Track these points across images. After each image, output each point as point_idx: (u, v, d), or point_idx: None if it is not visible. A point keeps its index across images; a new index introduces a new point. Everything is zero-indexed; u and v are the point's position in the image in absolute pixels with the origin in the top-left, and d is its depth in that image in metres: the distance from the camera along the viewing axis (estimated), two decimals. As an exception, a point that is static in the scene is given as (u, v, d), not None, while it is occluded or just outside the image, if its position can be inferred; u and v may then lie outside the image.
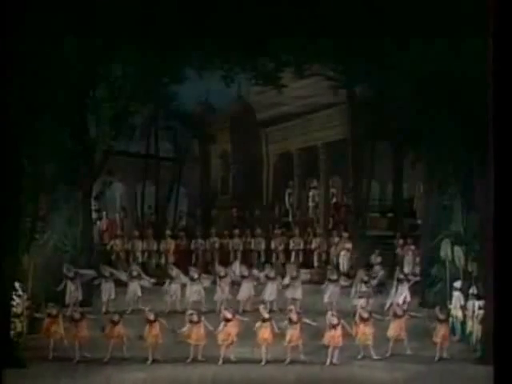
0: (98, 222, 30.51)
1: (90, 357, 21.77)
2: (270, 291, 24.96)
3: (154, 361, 21.54)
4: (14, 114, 21.31)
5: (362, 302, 24.02)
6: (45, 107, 22.57)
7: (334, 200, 33.01)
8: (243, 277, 25.45)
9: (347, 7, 23.10)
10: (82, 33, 23.07)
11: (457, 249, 24.71)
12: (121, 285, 25.45)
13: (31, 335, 23.15)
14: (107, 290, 25.06)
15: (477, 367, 21.01)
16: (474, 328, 22.74)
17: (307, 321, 21.81)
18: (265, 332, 21.54)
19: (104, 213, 31.39)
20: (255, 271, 25.59)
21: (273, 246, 29.10)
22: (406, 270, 26.17)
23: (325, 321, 21.83)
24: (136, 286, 25.22)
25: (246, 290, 25.14)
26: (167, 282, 25.30)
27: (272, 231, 30.17)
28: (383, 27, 23.06)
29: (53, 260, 25.13)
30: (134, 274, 25.48)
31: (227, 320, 21.68)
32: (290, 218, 32.89)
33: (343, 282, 25.15)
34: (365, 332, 21.84)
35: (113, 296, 25.07)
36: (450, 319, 23.06)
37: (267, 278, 25.22)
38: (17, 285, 22.94)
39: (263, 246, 29.21)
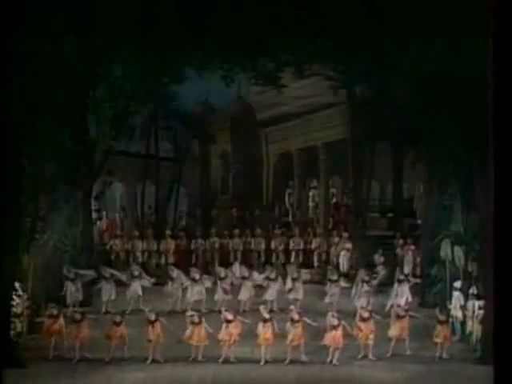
0: (98, 222, 30.50)
1: (89, 357, 21.77)
2: (271, 292, 24.97)
3: (153, 361, 21.55)
4: (14, 114, 21.32)
5: (362, 301, 24.06)
6: (45, 107, 22.57)
7: (334, 200, 33.00)
8: (244, 278, 25.43)
9: (347, 7, 23.09)
10: (81, 33, 23.08)
11: (457, 249, 24.71)
12: (121, 285, 25.46)
13: (31, 335, 23.14)
14: (107, 290, 25.06)
15: (477, 367, 21.01)
16: (474, 328, 22.74)
17: (308, 321, 21.81)
18: (266, 333, 21.54)
19: (104, 213, 31.39)
20: (256, 275, 25.48)
21: (273, 246, 29.09)
22: (406, 270, 26.17)
23: (325, 321, 21.84)
24: (137, 285, 25.20)
25: (247, 290, 25.13)
26: (168, 282, 25.30)
27: (272, 231, 30.15)
28: (383, 27, 23.06)
29: (53, 260, 25.14)
30: (136, 273, 25.48)
31: (228, 321, 21.68)
32: (290, 218, 32.88)
33: (343, 283, 25.16)
34: (365, 332, 21.83)
35: (113, 297, 25.06)
36: (450, 319, 23.06)
37: (268, 279, 25.21)
38: (17, 285, 22.92)
39: (263, 246, 29.19)
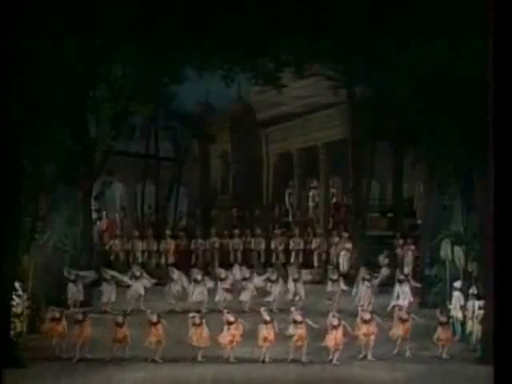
0: (98, 222, 30.51)
1: (89, 357, 21.78)
2: (272, 293, 24.96)
3: (153, 361, 21.55)
4: (14, 114, 21.30)
5: (363, 301, 24.12)
6: (45, 107, 22.54)
7: (334, 200, 33.01)
8: (245, 279, 25.42)
9: (347, 7, 23.09)
10: (81, 33, 23.06)
11: (457, 249, 24.71)
12: (121, 285, 25.46)
13: (31, 335, 23.14)
14: (108, 292, 25.06)
15: (477, 367, 21.00)
16: (474, 328, 22.73)
17: (310, 322, 21.81)
18: (267, 334, 21.53)
19: (104, 213, 31.39)
20: (257, 279, 25.44)
21: (273, 246, 29.10)
22: (406, 270, 26.17)
23: (326, 321, 21.83)
24: (139, 285, 25.20)
25: (248, 291, 25.12)
26: (169, 283, 25.28)
27: (272, 231, 30.17)
28: (383, 27, 23.05)
29: (53, 260, 25.13)
30: (137, 274, 25.47)
31: (230, 323, 21.68)
32: (290, 218, 32.90)
33: (343, 285, 25.20)
34: (367, 334, 21.81)
35: (113, 299, 25.06)
36: (450, 320, 23.04)
37: (269, 280, 25.21)
38: (17, 285, 22.91)
39: (263, 246, 29.21)
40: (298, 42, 24.93)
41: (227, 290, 25.07)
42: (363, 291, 24.91)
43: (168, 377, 20.74)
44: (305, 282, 25.79)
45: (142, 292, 25.12)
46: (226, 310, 22.34)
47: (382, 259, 26.81)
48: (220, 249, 29.04)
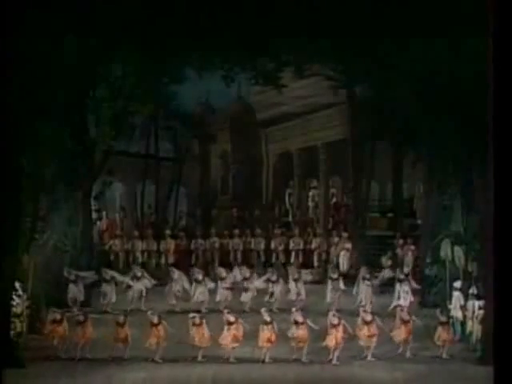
0: (98, 222, 30.51)
1: (90, 357, 21.78)
2: (273, 294, 24.95)
3: (153, 360, 21.55)
4: (14, 114, 21.29)
5: (364, 301, 24.14)
6: (45, 107, 22.54)
7: (334, 200, 33.04)
8: (245, 279, 25.42)
9: (347, 7, 23.08)
10: (81, 33, 23.05)
11: (457, 249, 24.70)
12: (121, 285, 25.48)
13: (31, 335, 23.13)
14: (108, 292, 25.05)
15: (477, 367, 21.00)
16: (474, 328, 22.73)
17: (310, 324, 21.81)
18: (267, 335, 21.53)
19: (104, 213, 31.39)
20: (257, 282, 25.40)
21: (273, 246, 29.10)
22: (406, 270, 26.15)
23: (326, 321, 21.83)
24: (141, 286, 25.20)
25: (249, 291, 25.11)
26: (170, 283, 25.28)
27: (272, 231, 30.17)
28: (383, 27, 23.04)
29: (53, 260, 25.13)
30: (138, 274, 25.47)
31: (230, 323, 21.68)
32: (290, 218, 32.92)
33: (343, 285, 25.21)
34: (368, 335, 21.80)
35: (113, 299, 25.05)
36: (450, 319, 23.04)
37: (269, 281, 25.20)
38: (17, 285, 22.90)
39: (263, 246, 29.21)
40: (297, 42, 24.91)
41: (228, 289, 25.08)
42: (364, 290, 24.92)
43: (168, 377, 20.73)
44: (305, 282, 25.80)
45: (144, 293, 25.12)
46: (226, 310, 22.34)
47: (385, 260, 26.78)
48: (220, 249, 29.03)
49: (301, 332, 21.58)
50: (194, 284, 25.04)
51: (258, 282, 25.24)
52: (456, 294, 23.57)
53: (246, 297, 24.97)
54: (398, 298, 24.59)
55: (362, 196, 30.06)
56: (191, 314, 22.23)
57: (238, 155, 33.23)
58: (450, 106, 23.11)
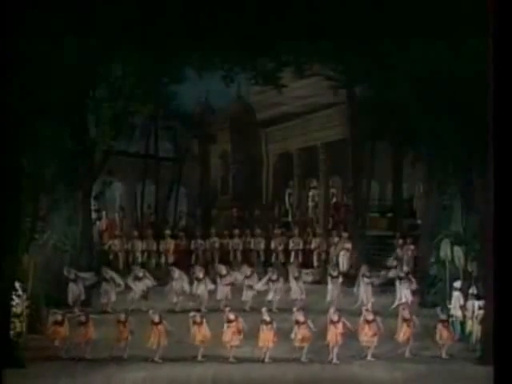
0: (98, 222, 30.50)
1: (89, 357, 21.78)
2: (273, 293, 24.97)
3: (153, 360, 21.56)
4: (14, 114, 21.29)
5: (365, 299, 24.17)
6: (45, 107, 22.54)
7: (334, 200, 33.05)
8: (246, 277, 25.43)
9: (347, 8, 23.08)
10: (81, 33, 23.04)
11: (457, 249, 24.70)
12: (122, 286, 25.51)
13: (31, 335, 23.13)
14: (108, 292, 25.06)
15: (477, 367, 21.02)
16: (474, 328, 22.75)
17: (310, 325, 21.81)
18: (267, 334, 21.54)
19: (104, 213, 31.39)
20: (258, 285, 25.41)
21: (272, 246, 29.10)
22: (406, 270, 26.16)
23: (325, 321, 21.85)
24: (142, 286, 25.21)
25: (249, 290, 25.13)
26: (170, 282, 25.28)
27: (272, 231, 30.18)
28: (383, 27, 23.04)
29: (53, 260, 25.14)
30: (140, 274, 25.47)
31: (230, 321, 21.69)
32: (290, 218, 32.94)
33: (342, 284, 25.23)
34: (369, 334, 21.81)
35: (113, 299, 25.07)
36: (450, 319, 23.07)
37: (270, 280, 25.21)
38: (17, 285, 22.92)
39: (263, 246, 29.22)
40: (297, 42, 24.91)
41: (228, 285, 25.10)
42: (364, 289, 24.94)
43: (168, 376, 20.74)
44: (304, 282, 25.81)
45: (145, 293, 25.12)
46: (227, 308, 22.34)
47: (391, 261, 26.77)
48: (220, 249, 29.04)
49: (302, 331, 21.58)
50: (195, 283, 25.05)
51: (260, 285, 25.24)
52: (456, 293, 23.59)
53: (247, 296, 24.99)
54: (400, 297, 24.63)
55: (361, 196, 30.06)
56: (192, 313, 22.26)
57: (238, 155, 33.24)
58: (450, 106, 23.11)
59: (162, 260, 28.70)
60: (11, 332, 22.04)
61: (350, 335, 21.90)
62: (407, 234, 28.55)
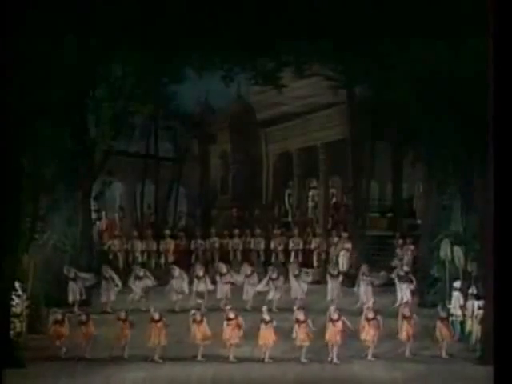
0: (98, 222, 30.50)
1: (89, 356, 21.79)
2: (273, 292, 24.98)
3: (153, 360, 21.56)
4: (14, 113, 21.30)
5: (366, 299, 24.20)
6: (45, 107, 22.54)
7: (334, 200, 33.06)
8: (246, 276, 25.45)
9: (347, 8, 23.09)
10: (81, 33, 23.06)
11: (456, 249, 24.71)
12: (122, 285, 25.52)
13: (31, 335, 23.14)
14: (108, 291, 25.08)
15: (476, 367, 21.02)
16: (474, 328, 22.75)
17: (310, 325, 21.81)
18: (267, 334, 21.55)
19: (103, 213, 31.39)
20: (259, 286, 25.43)
21: (272, 246, 29.09)
22: (406, 270, 26.16)
23: (325, 321, 21.85)
24: (143, 285, 25.22)
25: (250, 289, 25.15)
26: (171, 281, 25.29)
27: (272, 231, 30.17)
28: (383, 27, 23.06)
29: (53, 260, 25.15)
30: (140, 274, 25.49)
31: (230, 319, 21.71)
32: (290, 218, 32.95)
33: (342, 283, 25.27)
34: (371, 333, 21.81)
35: (113, 298, 25.08)
36: (450, 319, 23.07)
37: (270, 279, 25.23)
38: (17, 285, 22.92)
39: (263, 246, 29.21)
40: (297, 42, 24.92)
41: (227, 283, 25.12)
42: (364, 289, 24.95)
43: (168, 376, 20.73)
44: (303, 282, 25.80)
45: (145, 293, 25.15)
46: (227, 307, 22.36)
47: (395, 262, 26.77)
48: (220, 249, 29.03)
49: (303, 330, 21.59)
50: (195, 281, 25.06)
51: (261, 286, 25.25)
52: (456, 293, 23.60)
53: (247, 295, 25.01)
54: (401, 297, 24.67)
55: (361, 196, 30.06)
56: (192, 311, 22.26)
57: (238, 155, 33.25)
58: (450, 106, 23.13)
59: (162, 260, 28.68)
60: (11, 332, 22.04)
61: (350, 335, 21.91)
62: (407, 234, 28.56)
